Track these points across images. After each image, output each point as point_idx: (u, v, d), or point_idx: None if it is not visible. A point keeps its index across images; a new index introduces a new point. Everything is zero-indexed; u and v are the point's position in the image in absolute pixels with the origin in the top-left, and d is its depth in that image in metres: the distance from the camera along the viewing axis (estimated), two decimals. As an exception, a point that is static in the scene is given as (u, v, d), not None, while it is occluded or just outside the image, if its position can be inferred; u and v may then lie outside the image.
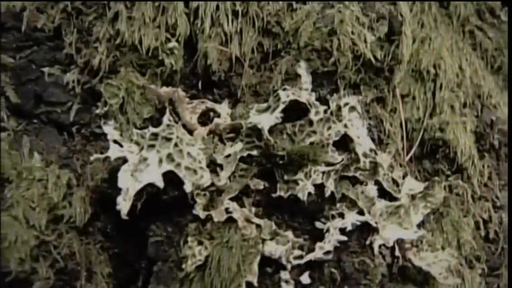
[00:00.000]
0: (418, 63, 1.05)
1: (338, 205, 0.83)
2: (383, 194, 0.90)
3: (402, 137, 1.01)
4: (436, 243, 0.95)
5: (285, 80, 0.87)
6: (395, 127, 0.99)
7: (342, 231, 0.79)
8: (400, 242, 0.86)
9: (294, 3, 0.92)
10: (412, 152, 1.02)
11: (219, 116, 0.85)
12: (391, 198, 0.90)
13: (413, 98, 1.04)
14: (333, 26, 0.88)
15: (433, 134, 1.02)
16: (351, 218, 0.80)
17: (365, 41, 0.89)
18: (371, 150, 0.86)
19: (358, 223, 0.80)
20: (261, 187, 0.82)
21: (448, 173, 1.02)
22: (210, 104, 0.86)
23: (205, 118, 0.87)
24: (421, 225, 0.95)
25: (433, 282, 0.89)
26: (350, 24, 0.89)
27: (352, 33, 0.89)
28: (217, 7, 0.91)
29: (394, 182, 0.92)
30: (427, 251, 0.93)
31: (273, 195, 0.82)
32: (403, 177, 0.94)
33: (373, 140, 0.93)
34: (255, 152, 0.82)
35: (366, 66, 0.89)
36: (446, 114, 1.04)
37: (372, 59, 0.89)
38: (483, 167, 1.04)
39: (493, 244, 1.00)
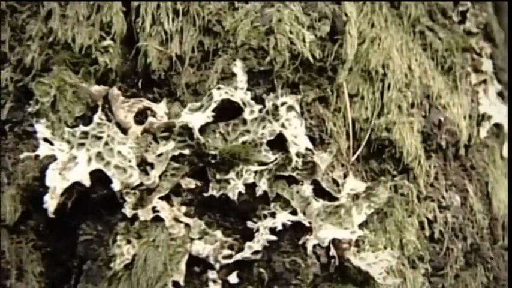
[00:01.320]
0: (367, 63, 1.05)
1: (272, 205, 0.83)
2: (323, 193, 0.90)
3: (348, 137, 1.01)
4: (379, 243, 0.95)
5: (221, 79, 0.87)
6: (339, 127, 0.99)
7: (272, 230, 0.79)
8: (337, 242, 0.86)
9: (236, 2, 0.92)
10: (358, 152, 1.02)
11: (155, 115, 0.85)
12: (330, 198, 0.90)
13: (362, 97, 1.05)
14: (271, 25, 0.88)
15: (380, 134, 1.02)
16: (282, 218, 0.80)
17: (303, 40, 0.89)
18: (307, 149, 0.86)
19: (290, 223, 0.80)
20: (193, 186, 0.82)
21: (394, 173, 1.02)
22: (146, 103, 0.86)
23: (142, 117, 0.87)
24: (363, 225, 0.95)
25: (373, 283, 0.89)
26: (288, 23, 0.89)
27: (290, 32, 0.88)
28: (158, 6, 0.91)
29: (334, 181, 0.92)
30: (369, 251, 0.93)
31: (205, 194, 0.82)
32: (345, 177, 0.94)
33: (313, 139, 0.93)
34: (187, 151, 0.82)
35: (304, 65, 0.89)
36: (393, 114, 1.04)
37: (310, 58, 0.89)
38: (430, 167, 1.04)
39: (438, 244, 1.00)
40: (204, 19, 0.90)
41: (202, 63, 0.91)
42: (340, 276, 0.89)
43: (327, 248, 0.84)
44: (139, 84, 0.91)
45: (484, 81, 1.25)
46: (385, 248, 0.95)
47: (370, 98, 1.05)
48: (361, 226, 0.93)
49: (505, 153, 1.23)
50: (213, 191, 0.81)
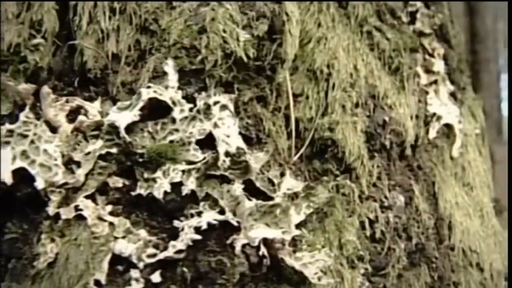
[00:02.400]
0: (313, 63, 1.06)
1: (201, 204, 0.83)
2: (257, 193, 0.90)
3: (291, 136, 1.01)
4: (317, 243, 0.95)
5: (153, 78, 0.87)
6: (279, 126, 0.99)
7: (198, 230, 0.79)
8: (270, 241, 0.86)
9: (173, 1, 0.92)
10: (301, 152, 1.02)
11: (86, 113, 0.85)
12: (266, 197, 0.89)
13: (307, 97, 1.05)
14: (204, 24, 0.88)
15: (323, 134, 1.02)
16: (208, 217, 0.79)
17: (237, 39, 0.89)
18: (239, 148, 0.85)
19: (216, 222, 0.80)
20: (120, 185, 0.82)
21: (337, 172, 1.02)
22: (79, 102, 0.86)
23: (75, 116, 0.86)
24: (302, 224, 0.95)
25: (309, 282, 0.89)
26: (222, 22, 0.89)
27: (224, 31, 0.88)
28: (95, 4, 0.90)
29: (270, 181, 0.91)
30: (305, 251, 0.93)
31: (133, 193, 0.81)
32: (282, 177, 0.94)
33: (250, 139, 0.92)
34: (114, 150, 0.81)
35: (238, 64, 0.89)
36: (337, 114, 1.04)
37: (244, 57, 0.88)
38: (373, 167, 1.04)
39: (379, 244, 1.00)
40: (141, 18, 0.90)
41: (138, 62, 0.91)
42: (276, 276, 0.89)
43: (257, 248, 0.83)
44: (76, 82, 0.90)
45: (435, 82, 1.26)
46: (324, 247, 0.94)
47: (315, 98, 1.05)
48: (299, 226, 0.93)
49: (455, 153, 1.23)
50: (141, 190, 0.81)
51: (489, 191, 1.32)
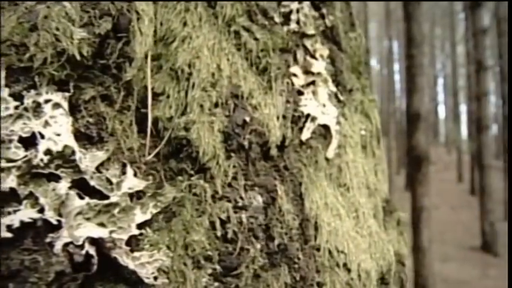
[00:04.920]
0: (175, 62, 1.05)
1: (24, 202, 0.82)
2: (93, 192, 0.89)
3: (146, 136, 1.01)
4: (160, 243, 0.94)
5: (-20, 75, 0.85)
6: (127, 125, 0.98)
7: (10, 228, 0.78)
8: (100, 240, 0.85)
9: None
10: (156, 151, 1.02)
11: None
12: (102, 196, 0.89)
13: (168, 96, 1.05)
14: (36, 21, 0.87)
15: (178, 133, 1.02)
16: (22, 215, 0.79)
17: (71, 38, 0.88)
18: (68, 147, 0.85)
19: (30, 220, 0.79)
20: None
21: (191, 172, 1.02)
22: None
23: None
24: (148, 224, 0.95)
25: (146, 282, 0.88)
26: (56, 20, 0.88)
27: (57, 29, 0.87)
28: None
29: (108, 180, 0.91)
30: (145, 251, 0.92)
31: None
32: (123, 175, 0.93)
33: (91, 137, 0.92)
34: None
35: (72, 63, 0.88)
36: (194, 113, 1.04)
37: (77, 55, 0.88)
38: (229, 167, 1.04)
39: (231, 244, 1.00)
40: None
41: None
42: (114, 275, 0.88)
43: (81, 247, 0.83)
44: None
45: (313, 83, 1.27)
46: (168, 247, 0.94)
47: (175, 97, 1.05)
48: (144, 225, 0.93)
49: (330, 154, 1.24)
50: (-44, 188, 0.79)
51: (368, 192, 1.33)
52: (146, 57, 1.01)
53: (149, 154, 1.02)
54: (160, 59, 1.07)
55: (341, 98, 1.34)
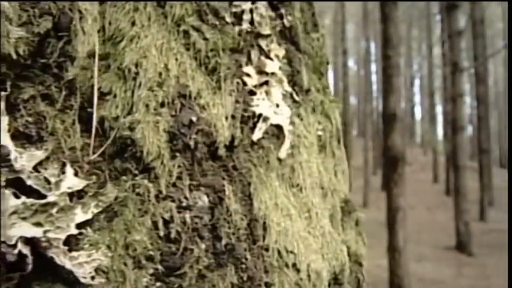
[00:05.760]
0: (123, 62, 1.04)
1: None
2: (30, 191, 0.88)
3: (90, 135, 1.00)
4: (100, 243, 0.94)
5: None
6: (69, 124, 0.97)
7: None
8: (36, 240, 0.84)
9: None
10: (101, 151, 1.01)
11: None
12: (40, 196, 0.88)
13: (115, 96, 1.04)
14: (-29, 20, 0.86)
15: (123, 133, 1.01)
16: None
17: (8, 37, 0.87)
18: (4, 147, 0.84)
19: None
20: None
21: (136, 172, 1.01)
22: None
23: None
24: (89, 223, 0.94)
25: (84, 282, 0.87)
26: (-8, 17, 0.86)
27: (-8, 27, 0.86)
28: None
29: (46, 180, 0.90)
30: (84, 250, 0.92)
31: None
32: (62, 175, 0.92)
33: (30, 136, 0.91)
34: None
35: (8, 62, 0.87)
36: (140, 113, 1.03)
37: (14, 54, 0.87)
38: (173, 166, 1.03)
39: (175, 244, 1.00)
40: None
41: None
42: (52, 275, 0.87)
43: (15, 246, 0.82)
44: None
45: (267, 83, 1.27)
46: (109, 247, 0.93)
47: (122, 97, 1.04)
48: (84, 225, 0.92)
49: (282, 154, 1.24)
50: None
51: (322, 192, 1.34)
52: (93, 56, 1.00)
53: (94, 153, 1.01)
54: (109, 58, 1.07)
55: (296, 98, 1.34)
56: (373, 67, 36.17)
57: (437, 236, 18.05)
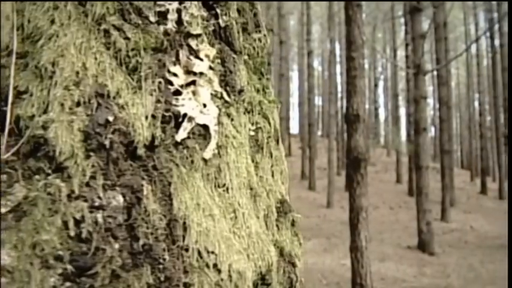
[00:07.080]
0: (40, 60, 1.03)
1: None
2: None
3: (7, 134, 0.98)
4: (7, 242, 0.92)
5: None
6: (-19, 122, 0.95)
7: None
8: None
9: None
10: (14, 150, 0.99)
11: None
12: None
13: (31, 95, 1.03)
14: None
15: (37, 132, 1.00)
16: None
17: None
18: None
19: None
20: None
21: (49, 171, 1.00)
22: None
23: None
24: (-5, 224, 0.92)
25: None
26: None
27: None
28: None
29: None
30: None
31: None
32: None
33: None
34: None
35: None
36: (54, 112, 1.02)
37: None
38: (87, 166, 1.02)
39: (86, 244, 0.99)
40: None
41: None
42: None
43: None
44: None
45: (194, 83, 1.27)
46: (16, 247, 0.92)
47: (38, 96, 1.03)
48: (-10, 226, 0.90)
49: (207, 154, 1.24)
50: None
51: (251, 192, 1.35)
52: (11, 54, 0.99)
53: (7, 152, 0.99)
54: (27, 56, 1.06)
55: (227, 98, 1.34)
56: (338, 68, 36.50)
57: (400, 235, 18.34)
